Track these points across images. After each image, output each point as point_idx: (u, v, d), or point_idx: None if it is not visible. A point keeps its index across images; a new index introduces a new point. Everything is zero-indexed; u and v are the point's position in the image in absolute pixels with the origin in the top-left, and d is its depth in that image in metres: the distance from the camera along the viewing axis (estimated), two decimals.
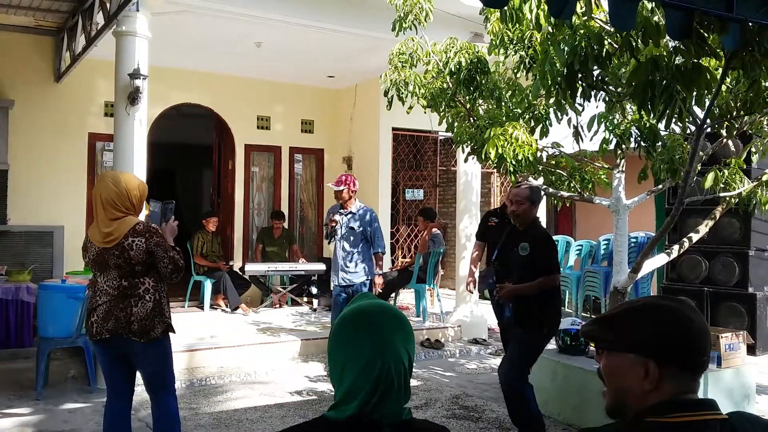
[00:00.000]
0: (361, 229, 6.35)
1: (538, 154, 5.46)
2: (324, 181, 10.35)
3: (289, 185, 10.17)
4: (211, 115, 9.81)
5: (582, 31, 3.82)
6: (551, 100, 4.19)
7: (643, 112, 4.41)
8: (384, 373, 1.43)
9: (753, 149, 5.32)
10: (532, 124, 5.54)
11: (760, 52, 3.51)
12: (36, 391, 5.51)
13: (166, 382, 3.65)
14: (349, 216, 6.38)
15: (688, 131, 4.97)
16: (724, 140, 5.28)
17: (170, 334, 3.63)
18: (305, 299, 9.17)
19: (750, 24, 3.24)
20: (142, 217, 3.70)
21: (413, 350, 1.54)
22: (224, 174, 9.91)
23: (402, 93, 5.66)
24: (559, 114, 5.17)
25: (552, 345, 5.65)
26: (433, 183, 11.14)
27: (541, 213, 10.69)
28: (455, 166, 10.11)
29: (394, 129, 9.67)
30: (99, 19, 6.72)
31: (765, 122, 4.88)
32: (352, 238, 6.34)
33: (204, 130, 10.70)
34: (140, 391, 3.74)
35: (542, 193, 5.52)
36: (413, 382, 6.07)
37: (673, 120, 3.71)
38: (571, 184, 5.84)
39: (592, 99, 4.32)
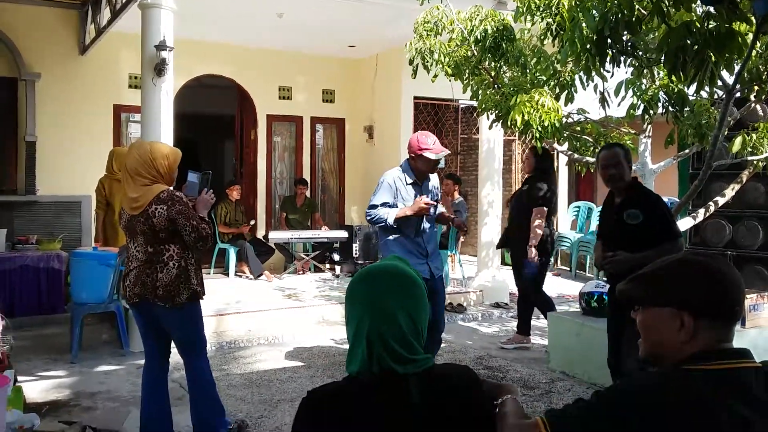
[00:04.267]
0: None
1: (564, 120, 5.47)
2: (346, 150, 10.39)
3: (311, 155, 10.24)
4: (233, 86, 9.86)
5: None
6: (580, 66, 4.18)
7: (672, 77, 4.42)
8: (373, 333, 1.51)
9: None
10: (557, 90, 5.55)
11: None
12: (71, 354, 5.68)
13: (196, 346, 3.73)
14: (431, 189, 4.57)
15: (716, 96, 4.96)
16: (753, 104, 5.26)
17: (200, 300, 3.68)
18: (327, 266, 9.30)
19: None
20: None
21: (417, 310, 1.57)
22: (246, 144, 9.99)
23: (427, 62, 5.67)
24: (584, 80, 5.20)
25: (576, 308, 5.75)
26: (454, 151, 11.14)
27: (563, 179, 10.75)
28: (476, 134, 10.11)
29: (415, 98, 9.67)
30: None
31: None
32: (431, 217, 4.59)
33: (226, 101, 10.77)
34: (175, 353, 3.85)
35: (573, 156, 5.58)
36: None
37: (704, 85, 3.70)
38: (596, 150, 5.85)
39: (621, 65, 4.33)
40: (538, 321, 6.43)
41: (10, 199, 7.98)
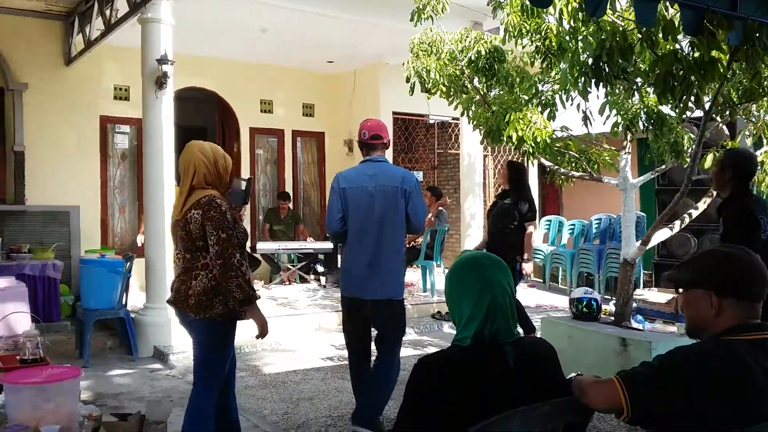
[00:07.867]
0: None
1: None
2: (326, 163, 10.68)
3: (293, 167, 10.50)
4: (213, 99, 10.07)
5: (609, 28, 4.27)
6: (577, 88, 4.61)
7: (653, 99, 4.91)
8: (492, 302, 1.92)
9: (747, 133, 5.84)
10: (539, 109, 6.00)
11: (761, 47, 4.02)
12: (82, 360, 5.84)
13: (199, 370, 3.40)
14: None
15: (684, 117, 5.47)
16: (720, 125, 5.80)
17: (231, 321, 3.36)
18: (312, 276, 9.55)
19: (750, 21, 3.76)
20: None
21: (512, 283, 2.00)
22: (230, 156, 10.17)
23: (424, 80, 6.05)
24: (564, 100, 5.69)
25: (567, 312, 6.18)
26: (431, 165, 11.51)
27: (533, 193, 11.24)
28: (452, 149, 10.55)
29: (394, 113, 10.02)
30: (118, 5, 6.96)
31: (763, 109, 5.40)
32: None
33: (208, 114, 10.94)
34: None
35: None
36: (435, 348, 6.56)
37: (689, 106, 4.17)
38: (578, 165, 6.32)
39: (605, 87, 4.78)
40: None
41: (0, 208, 8.02)
